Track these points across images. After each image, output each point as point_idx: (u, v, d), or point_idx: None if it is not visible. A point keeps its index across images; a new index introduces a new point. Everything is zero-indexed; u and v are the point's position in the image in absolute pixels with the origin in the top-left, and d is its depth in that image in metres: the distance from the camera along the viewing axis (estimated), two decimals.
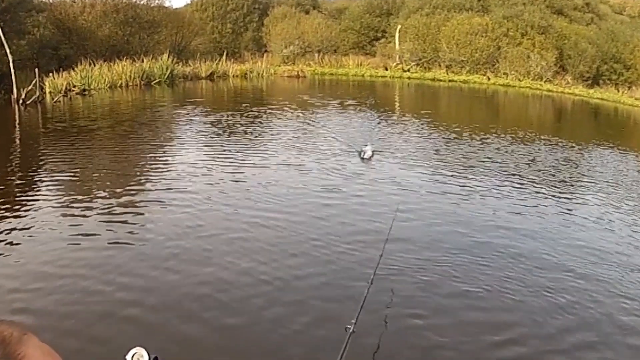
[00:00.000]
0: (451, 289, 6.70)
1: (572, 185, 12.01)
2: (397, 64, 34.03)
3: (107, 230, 8.23)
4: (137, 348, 2.30)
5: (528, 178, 12.17)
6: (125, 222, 8.65)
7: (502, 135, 16.98)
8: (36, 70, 21.52)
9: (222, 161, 12.73)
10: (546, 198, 10.77)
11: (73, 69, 24.07)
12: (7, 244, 7.66)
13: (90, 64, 24.52)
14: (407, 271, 6.99)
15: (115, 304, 6.00)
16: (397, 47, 34.70)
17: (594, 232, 9.05)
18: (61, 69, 23.94)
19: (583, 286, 6.88)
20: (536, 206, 10.24)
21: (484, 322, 5.97)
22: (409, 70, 33.61)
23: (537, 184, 11.75)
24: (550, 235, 8.66)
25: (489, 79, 31.60)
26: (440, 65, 33.36)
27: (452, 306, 6.28)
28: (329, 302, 6.30)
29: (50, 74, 22.88)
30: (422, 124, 18.50)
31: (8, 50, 20.94)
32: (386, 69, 33.99)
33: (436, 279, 6.89)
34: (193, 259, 7.24)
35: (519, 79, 30.56)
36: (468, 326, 5.85)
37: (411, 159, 13.31)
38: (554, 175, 12.67)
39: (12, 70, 21.00)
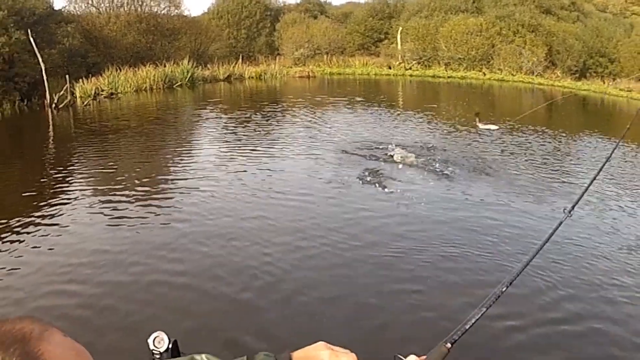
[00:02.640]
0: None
1: (562, 173, 11.67)
2: (400, 63, 33.87)
3: (139, 214, 8.39)
4: (158, 332, 2.22)
5: (522, 167, 11.94)
6: (155, 207, 8.78)
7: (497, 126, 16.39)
8: (67, 76, 21.62)
9: (241, 154, 12.65)
10: (538, 185, 10.50)
11: (101, 75, 24.02)
12: (50, 228, 7.78)
13: (116, 70, 24.50)
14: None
15: (147, 278, 6.12)
16: (399, 47, 34.54)
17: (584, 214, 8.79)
18: (90, 75, 23.87)
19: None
20: (526, 191, 10.03)
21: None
22: (410, 68, 33.46)
23: (530, 172, 11.47)
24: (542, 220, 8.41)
25: (484, 74, 31.45)
26: (439, 63, 33.23)
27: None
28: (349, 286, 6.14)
29: (80, 80, 22.87)
30: (425, 118, 18.19)
31: (40, 59, 20.90)
32: (389, 68, 33.80)
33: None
34: (219, 237, 7.29)
35: (512, 74, 30.47)
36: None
37: (413, 150, 12.78)
38: (545, 164, 12.42)
39: (45, 77, 20.97)
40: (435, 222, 8.11)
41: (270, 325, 5.21)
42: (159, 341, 2.20)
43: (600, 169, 3.67)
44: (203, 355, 1.59)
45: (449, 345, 1.65)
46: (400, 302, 5.80)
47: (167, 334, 2.21)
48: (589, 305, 5.87)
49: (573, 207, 2.75)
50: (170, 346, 2.20)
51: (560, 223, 2.56)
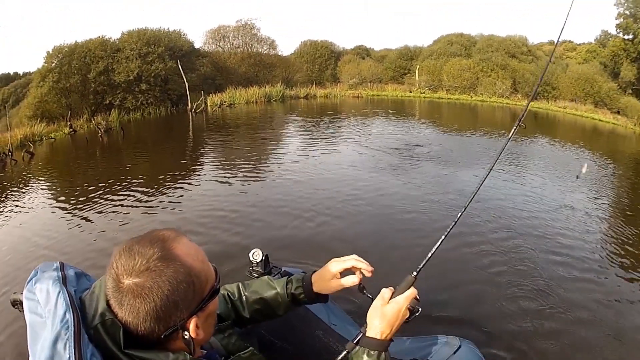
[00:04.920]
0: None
1: (520, 162, 10.63)
2: (417, 89, 32.85)
3: (244, 182, 8.19)
4: (256, 249, 2.25)
5: (494, 158, 10.84)
6: (257, 172, 8.86)
7: (479, 131, 15.61)
8: (202, 92, 21.41)
9: (313, 142, 12.38)
10: (502, 171, 9.33)
11: (224, 92, 23.58)
12: (191, 184, 8.08)
13: (234, 89, 24.00)
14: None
15: (248, 212, 6.27)
16: (417, 78, 33.40)
17: (533, 190, 7.93)
18: (217, 91, 23.50)
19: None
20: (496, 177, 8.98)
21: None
22: (424, 92, 32.47)
23: (498, 162, 10.22)
24: (501, 194, 7.57)
25: (471, 97, 30.32)
26: (442, 89, 32.14)
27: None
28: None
29: (210, 94, 22.54)
30: (432, 124, 17.20)
31: (185, 80, 20.90)
32: (410, 92, 32.79)
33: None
34: (296, 191, 7.33)
35: (489, 97, 29.41)
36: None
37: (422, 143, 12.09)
38: (510, 156, 11.19)
39: (187, 92, 20.99)
40: (416, 187, 7.65)
41: (321, 238, 5.31)
42: (257, 255, 2.23)
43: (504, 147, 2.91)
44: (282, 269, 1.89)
45: (414, 274, 1.40)
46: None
47: (261, 250, 2.22)
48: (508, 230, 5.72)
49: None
50: (263, 258, 2.24)
51: (485, 177, 2.14)
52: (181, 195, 7.31)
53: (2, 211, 6.98)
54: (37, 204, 7.29)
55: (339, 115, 19.82)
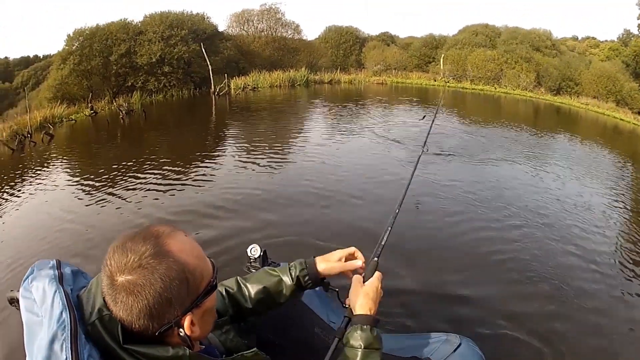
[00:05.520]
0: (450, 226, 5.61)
1: (540, 156, 10.33)
2: (441, 78, 32.38)
3: (266, 159, 8.36)
4: (254, 244, 2.19)
5: (515, 151, 10.57)
6: (277, 156, 8.73)
7: (500, 123, 15.17)
8: (225, 75, 21.22)
9: (336, 130, 12.11)
10: (522, 164, 9.09)
11: (247, 75, 23.48)
12: (212, 166, 8.06)
13: (258, 72, 23.86)
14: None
15: (264, 196, 6.18)
16: (441, 67, 32.80)
17: (550, 184, 7.73)
18: (240, 74, 23.41)
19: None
20: (516, 168, 8.81)
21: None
22: (448, 82, 32.01)
23: (519, 156, 9.97)
24: (523, 185, 7.49)
25: (495, 88, 29.75)
26: (467, 79, 31.71)
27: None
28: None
29: (234, 78, 22.42)
30: (454, 114, 16.79)
31: (208, 63, 20.88)
32: (434, 81, 32.31)
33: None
34: (318, 178, 7.07)
35: (513, 89, 28.87)
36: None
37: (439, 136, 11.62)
38: (530, 149, 11.03)
39: (211, 75, 20.96)
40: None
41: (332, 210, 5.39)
42: (255, 250, 2.15)
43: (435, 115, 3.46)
44: (281, 263, 1.81)
45: (376, 259, 1.58)
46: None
47: (260, 246, 2.16)
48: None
49: (425, 144, 2.46)
50: (261, 254, 2.16)
51: (419, 157, 2.49)
52: (202, 177, 7.26)
53: (20, 191, 7.02)
54: (57, 183, 7.28)
55: (362, 101, 19.60)
